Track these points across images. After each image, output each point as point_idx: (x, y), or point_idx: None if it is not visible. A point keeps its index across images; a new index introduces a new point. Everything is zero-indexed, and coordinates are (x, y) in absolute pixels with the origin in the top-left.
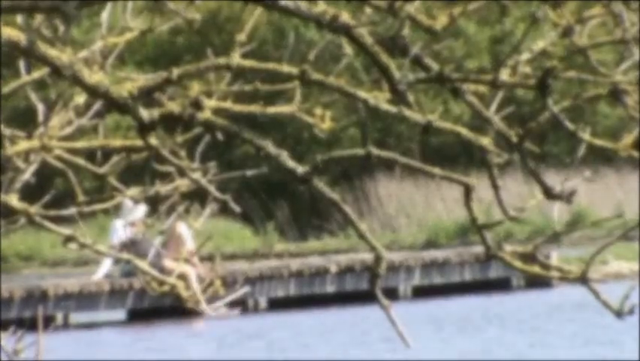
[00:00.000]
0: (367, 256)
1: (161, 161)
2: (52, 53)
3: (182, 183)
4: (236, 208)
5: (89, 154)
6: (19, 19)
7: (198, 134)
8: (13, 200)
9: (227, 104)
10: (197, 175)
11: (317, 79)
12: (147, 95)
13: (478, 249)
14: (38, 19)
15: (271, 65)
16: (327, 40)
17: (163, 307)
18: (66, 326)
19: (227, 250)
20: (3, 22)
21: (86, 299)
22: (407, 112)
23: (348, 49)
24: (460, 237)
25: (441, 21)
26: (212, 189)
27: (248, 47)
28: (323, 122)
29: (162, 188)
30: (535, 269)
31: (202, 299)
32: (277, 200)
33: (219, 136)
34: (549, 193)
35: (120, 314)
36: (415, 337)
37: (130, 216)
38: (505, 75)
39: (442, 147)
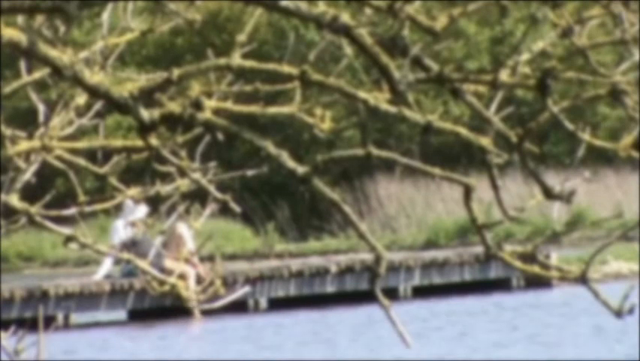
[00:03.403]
0: (367, 256)
1: (161, 161)
2: (53, 53)
3: (183, 184)
4: (237, 209)
5: (90, 154)
6: (20, 19)
7: (198, 134)
8: (14, 200)
9: (228, 105)
10: (197, 175)
11: (317, 79)
12: (148, 96)
13: (478, 249)
14: (39, 19)
15: (271, 66)
16: (327, 40)
17: (163, 307)
18: (67, 326)
19: (228, 250)
20: (4, 23)
21: (86, 299)
22: (407, 112)
23: (348, 49)
24: (460, 237)
25: (441, 22)
26: (212, 189)
27: (248, 48)
28: (323, 122)
29: (163, 188)
30: (535, 269)
31: (199, 299)
32: (277, 200)
33: (219, 136)
34: (549, 193)
35: (121, 314)
36: (415, 337)
37: (131, 217)
38: (504, 75)
39: (442, 147)
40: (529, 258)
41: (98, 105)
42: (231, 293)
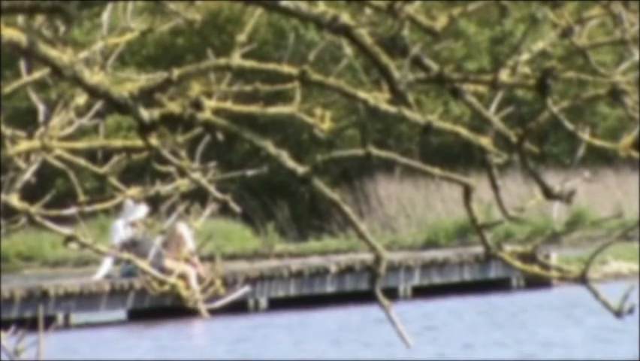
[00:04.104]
0: (367, 256)
1: (161, 161)
2: (53, 53)
3: (183, 184)
4: (237, 209)
5: (90, 154)
6: (20, 19)
7: (198, 134)
8: (14, 200)
9: (228, 105)
10: (197, 175)
11: (317, 79)
12: (148, 96)
13: (478, 249)
14: (39, 19)
15: (271, 66)
16: (327, 40)
17: (163, 307)
18: (67, 326)
19: (228, 250)
20: (4, 23)
21: (86, 299)
22: (407, 112)
23: (347, 49)
24: (459, 237)
25: (441, 22)
26: (212, 189)
27: (248, 48)
28: (323, 122)
29: (163, 188)
30: (535, 269)
31: (200, 299)
32: (277, 200)
33: (219, 136)
34: (549, 193)
35: (120, 314)
36: (414, 337)
37: (131, 216)
38: (504, 75)
39: (442, 147)
40: (529, 258)
41: (98, 105)
42: (231, 293)
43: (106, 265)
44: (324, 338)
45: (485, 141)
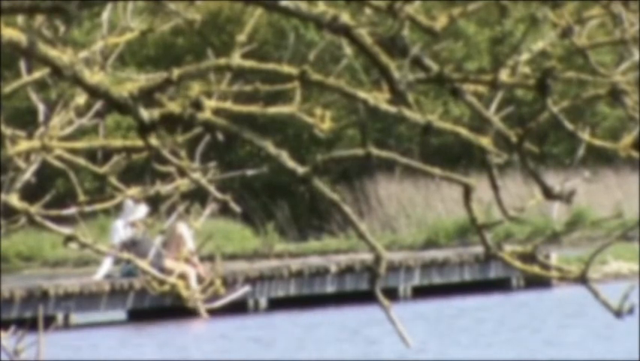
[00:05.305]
0: (367, 256)
1: (161, 161)
2: (53, 53)
3: (183, 183)
4: (237, 208)
5: (90, 154)
6: (20, 19)
7: (198, 134)
8: (14, 200)
9: (228, 105)
10: (197, 175)
11: (317, 79)
12: (148, 96)
13: (478, 249)
14: (39, 19)
15: (271, 66)
16: (327, 40)
17: (163, 307)
18: (67, 326)
19: (228, 250)
20: (4, 23)
21: (86, 299)
22: (407, 112)
23: (347, 49)
24: (459, 237)
25: (441, 22)
26: (212, 189)
27: (248, 48)
28: (323, 122)
29: (163, 188)
30: (535, 269)
31: (201, 299)
32: (277, 200)
33: (219, 136)
34: (549, 193)
35: (120, 314)
36: (414, 337)
37: (131, 217)
38: (504, 75)
39: (442, 147)
40: (529, 258)
41: (98, 105)
42: (231, 293)
43: (106, 265)
44: (324, 338)
45: (485, 141)
